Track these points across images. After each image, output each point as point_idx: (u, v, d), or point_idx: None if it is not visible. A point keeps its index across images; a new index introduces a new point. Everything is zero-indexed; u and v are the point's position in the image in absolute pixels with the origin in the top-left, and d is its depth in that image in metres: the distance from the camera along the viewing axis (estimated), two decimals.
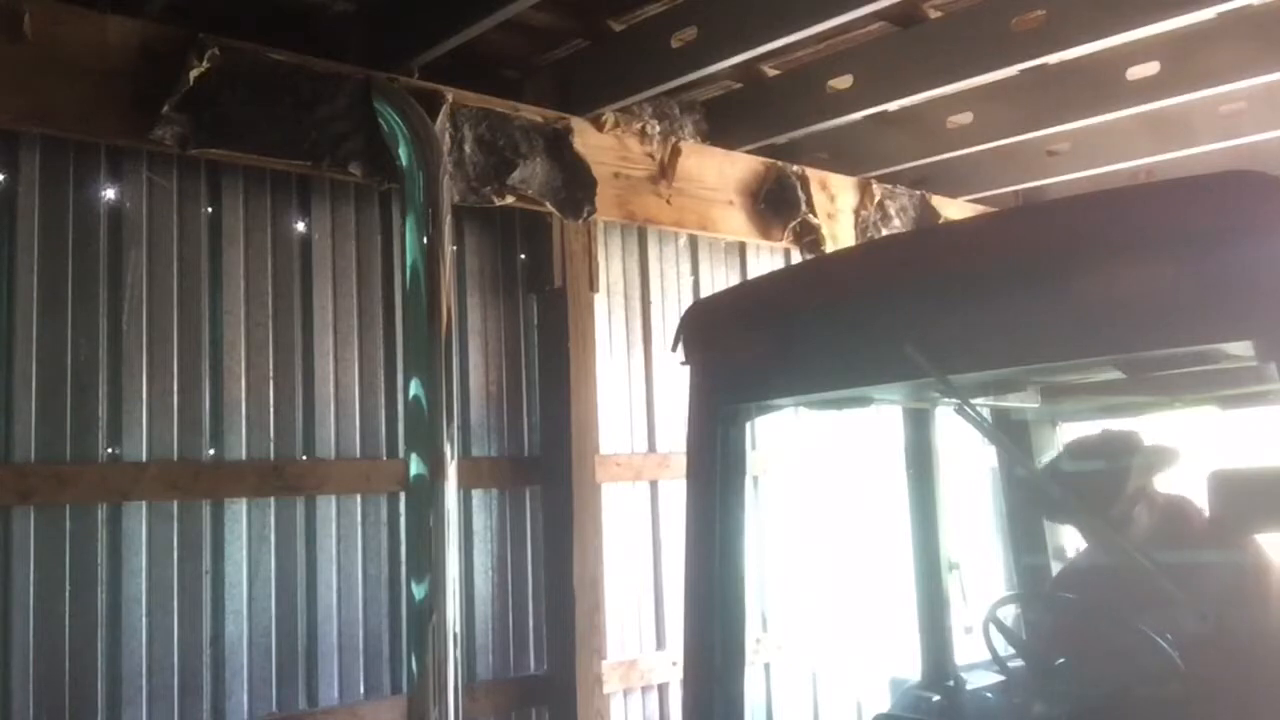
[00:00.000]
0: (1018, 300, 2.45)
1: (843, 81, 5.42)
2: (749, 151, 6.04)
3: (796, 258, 6.22)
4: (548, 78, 5.39)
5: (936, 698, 3.64)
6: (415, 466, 4.24)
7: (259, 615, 4.33)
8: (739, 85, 5.82)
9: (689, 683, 3.19)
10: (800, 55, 5.51)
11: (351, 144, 4.45)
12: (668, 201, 5.62)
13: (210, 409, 4.30)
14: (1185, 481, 3.48)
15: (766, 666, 5.85)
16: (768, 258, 6.31)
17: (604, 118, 5.35)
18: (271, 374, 4.47)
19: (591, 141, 5.29)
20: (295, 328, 4.56)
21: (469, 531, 4.95)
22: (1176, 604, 2.92)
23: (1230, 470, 3.09)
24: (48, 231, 3.99)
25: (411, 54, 4.64)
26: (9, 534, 3.82)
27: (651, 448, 5.60)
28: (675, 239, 5.93)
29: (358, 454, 4.66)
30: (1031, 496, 4.01)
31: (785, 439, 5.98)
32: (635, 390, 5.62)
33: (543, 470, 5.20)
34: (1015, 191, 7.11)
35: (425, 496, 4.22)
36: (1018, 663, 3.43)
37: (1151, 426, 3.67)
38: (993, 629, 3.37)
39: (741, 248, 6.23)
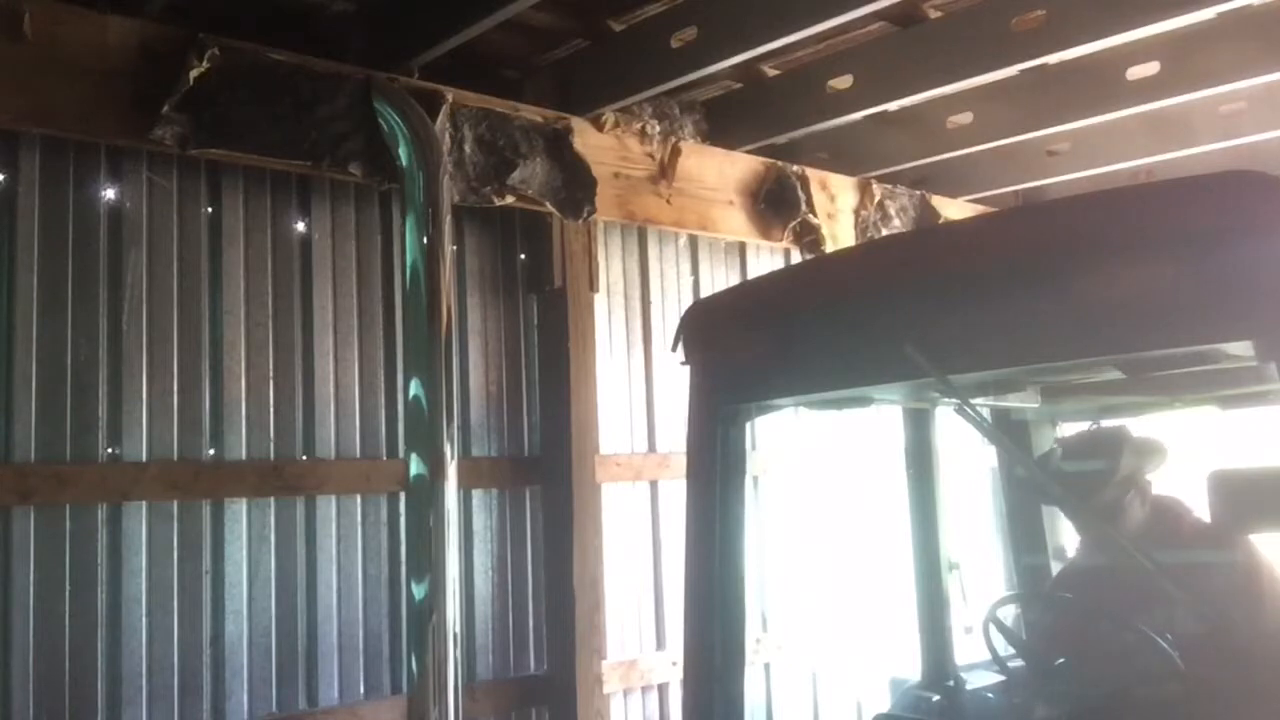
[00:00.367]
0: (1018, 300, 2.45)
1: (843, 81, 5.42)
2: (749, 151, 6.05)
3: (796, 258, 6.22)
4: (548, 78, 5.39)
5: (936, 698, 3.64)
6: (415, 466, 4.24)
7: (259, 615, 4.33)
8: (739, 85, 5.82)
9: (689, 683, 3.19)
10: (800, 55, 5.51)
11: (351, 144, 4.45)
12: (668, 201, 5.62)
13: (210, 409, 4.30)
14: (1182, 481, 3.49)
15: (766, 666, 5.85)
16: (768, 258, 6.31)
17: (604, 118, 5.35)
18: (271, 374, 4.47)
19: (591, 141, 5.29)
20: (295, 328, 4.56)
21: (469, 531, 4.95)
22: (1174, 604, 2.93)
23: (1229, 470, 3.09)
24: (48, 231, 3.99)
25: (411, 54, 4.64)
26: (9, 534, 3.82)
27: (651, 448, 5.60)
28: (675, 239, 5.93)
29: (358, 454, 4.66)
30: (1029, 490, 4.03)
31: (785, 439, 5.98)
32: (635, 390, 5.62)
33: (543, 470, 5.20)
34: (1015, 191, 7.11)
35: (425, 496, 4.22)
36: (1018, 663, 3.43)
37: (1148, 425, 3.68)
38: (993, 629, 3.37)
39: (741, 248, 6.23)
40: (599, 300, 5.41)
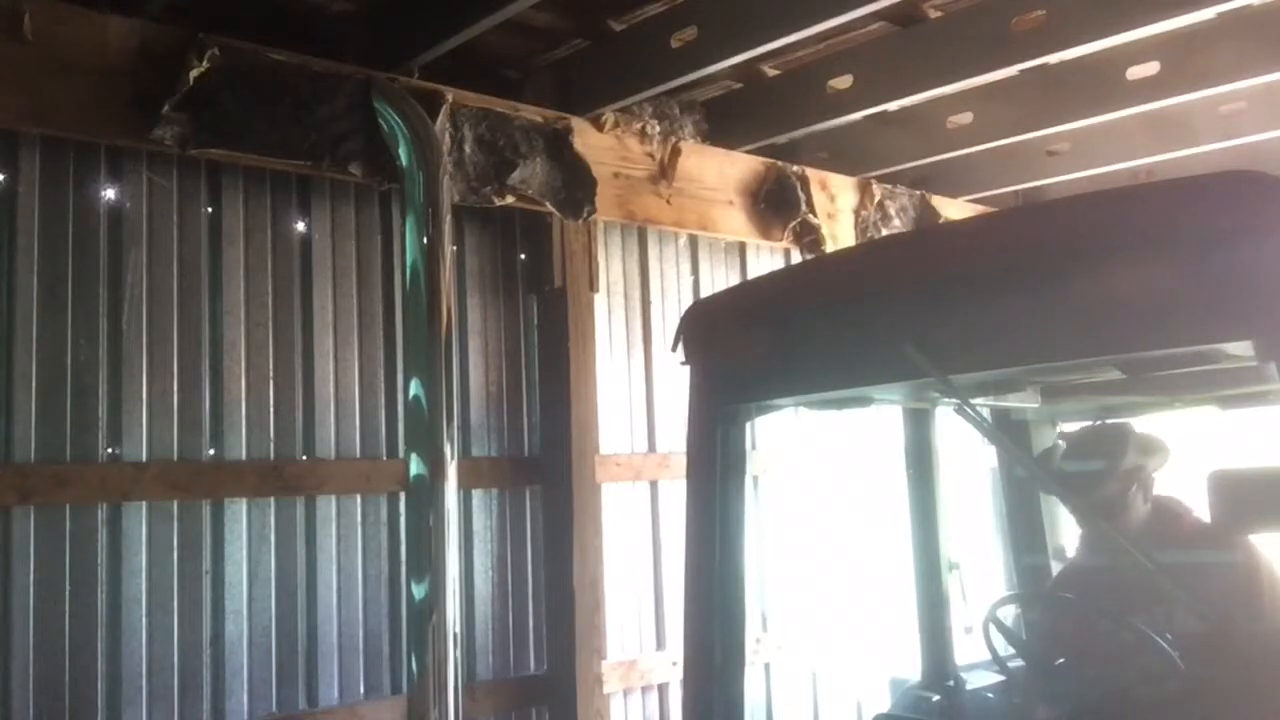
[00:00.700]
0: (1018, 300, 2.45)
1: (843, 81, 5.42)
2: (749, 151, 6.05)
3: (796, 258, 6.21)
4: (548, 78, 5.39)
5: (936, 698, 3.64)
6: (415, 466, 4.24)
7: (259, 615, 4.33)
8: (739, 85, 5.82)
9: (689, 683, 3.19)
10: (800, 55, 5.51)
11: (351, 144, 4.45)
12: (668, 201, 5.62)
13: (210, 409, 4.30)
14: (1182, 481, 3.49)
15: (766, 666, 5.85)
16: (768, 258, 6.31)
17: (604, 118, 5.35)
18: (271, 374, 4.47)
19: (591, 141, 5.29)
20: (295, 328, 4.56)
21: (469, 531, 4.95)
22: (1174, 603, 2.93)
23: (1229, 470, 3.09)
24: (48, 231, 3.99)
25: (411, 54, 4.64)
26: (9, 534, 3.82)
27: (651, 448, 5.60)
28: (675, 239, 5.93)
29: (358, 454, 4.66)
30: (1029, 489, 4.03)
31: (785, 439, 5.98)
32: (635, 390, 5.62)
33: (543, 470, 5.20)
34: (1015, 191, 7.11)
35: (425, 496, 4.22)
36: (1018, 663, 3.43)
37: (1149, 425, 3.68)
38: (993, 629, 3.37)
39: (741, 248, 6.23)
40: (599, 300, 5.41)
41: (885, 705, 3.79)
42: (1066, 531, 4.02)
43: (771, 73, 5.72)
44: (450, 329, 4.39)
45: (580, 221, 5.20)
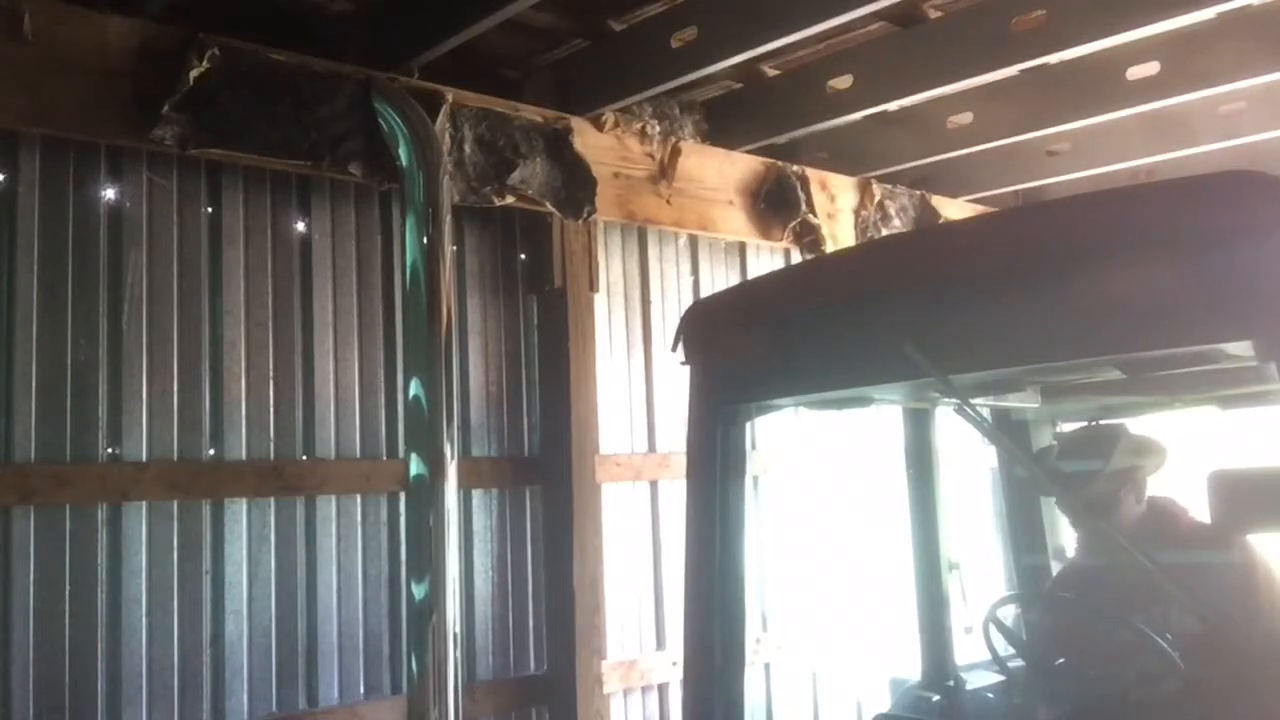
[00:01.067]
0: (1018, 300, 2.45)
1: (843, 81, 5.42)
2: (749, 151, 6.04)
3: (796, 258, 6.21)
4: (548, 78, 5.39)
5: (936, 698, 3.64)
6: (415, 466, 4.24)
7: (259, 615, 4.33)
8: (739, 85, 5.82)
9: (689, 683, 3.19)
10: (800, 55, 5.51)
11: (351, 144, 4.45)
12: (668, 201, 5.62)
13: (210, 409, 4.30)
14: (1182, 482, 3.49)
15: (766, 666, 5.85)
16: (768, 258, 6.31)
17: (604, 118, 5.35)
18: (271, 374, 4.47)
19: (591, 141, 5.29)
20: (295, 328, 4.56)
21: (469, 531, 4.95)
22: (1170, 603, 2.93)
23: (1229, 470, 3.09)
24: (48, 231, 3.99)
25: (411, 54, 4.64)
26: (9, 534, 3.82)
27: (651, 448, 5.60)
28: (675, 239, 5.93)
29: (358, 454, 4.66)
30: (1029, 489, 4.03)
31: (785, 439, 5.98)
32: (635, 390, 5.62)
33: (543, 470, 5.20)
34: (1015, 191, 7.11)
35: (425, 496, 4.22)
36: (1018, 663, 3.43)
37: (1148, 425, 3.69)
38: (993, 629, 3.37)
39: (741, 248, 6.23)
40: (599, 300, 5.41)
41: (885, 705, 3.79)
42: (1066, 531, 4.02)
43: (771, 73, 5.72)
44: (450, 329, 4.39)
45: (580, 221, 5.20)
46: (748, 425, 3.32)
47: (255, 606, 4.33)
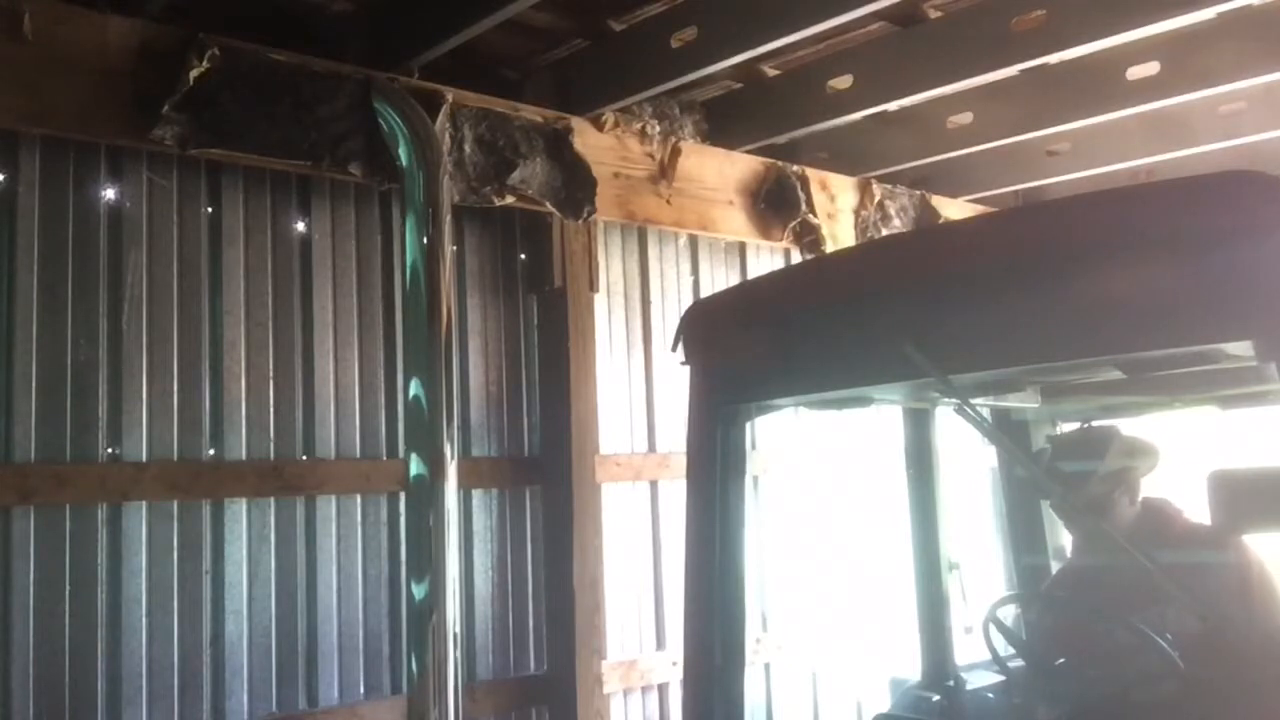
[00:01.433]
0: (1018, 300, 2.45)
1: (843, 81, 5.42)
2: (749, 151, 6.05)
3: (796, 258, 6.22)
4: (548, 78, 5.39)
5: (936, 698, 3.64)
6: (415, 466, 4.24)
7: (259, 615, 4.33)
8: (739, 85, 5.82)
9: (689, 683, 3.19)
10: (800, 55, 5.51)
11: (351, 144, 4.45)
12: (668, 201, 5.62)
13: (210, 409, 4.30)
14: (1182, 482, 3.49)
15: (766, 666, 5.85)
16: (768, 258, 6.31)
17: (604, 118, 5.35)
18: (271, 374, 4.47)
19: (591, 141, 5.29)
20: (295, 328, 4.56)
21: (469, 531, 4.95)
22: (1166, 603, 2.94)
23: (1229, 470, 3.09)
24: (48, 231, 3.99)
25: (411, 54, 4.64)
26: (9, 534, 3.82)
27: (651, 448, 5.60)
28: (675, 239, 5.93)
29: (358, 454, 4.66)
30: (1028, 490, 4.03)
31: (785, 439, 5.98)
32: (635, 390, 5.62)
33: (543, 470, 5.20)
34: (1015, 191, 7.11)
35: (425, 496, 4.22)
36: (1018, 663, 3.43)
37: (1146, 425, 3.69)
38: (993, 629, 3.37)
39: (741, 248, 6.23)
40: (599, 300, 5.41)
41: (885, 705, 3.79)
42: (1066, 532, 4.02)
43: (771, 73, 5.72)
44: (450, 329, 4.39)
45: (580, 221, 5.20)
46: (748, 425, 3.32)
47: (255, 606, 4.33)
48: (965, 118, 5.85)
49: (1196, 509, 3.31)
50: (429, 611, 4.14)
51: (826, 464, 6.14)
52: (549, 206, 5.08)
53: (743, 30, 4.58)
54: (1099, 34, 4.59)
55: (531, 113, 5.10)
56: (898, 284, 2.70)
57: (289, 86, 4.33)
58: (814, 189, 6.21)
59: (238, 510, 4.31)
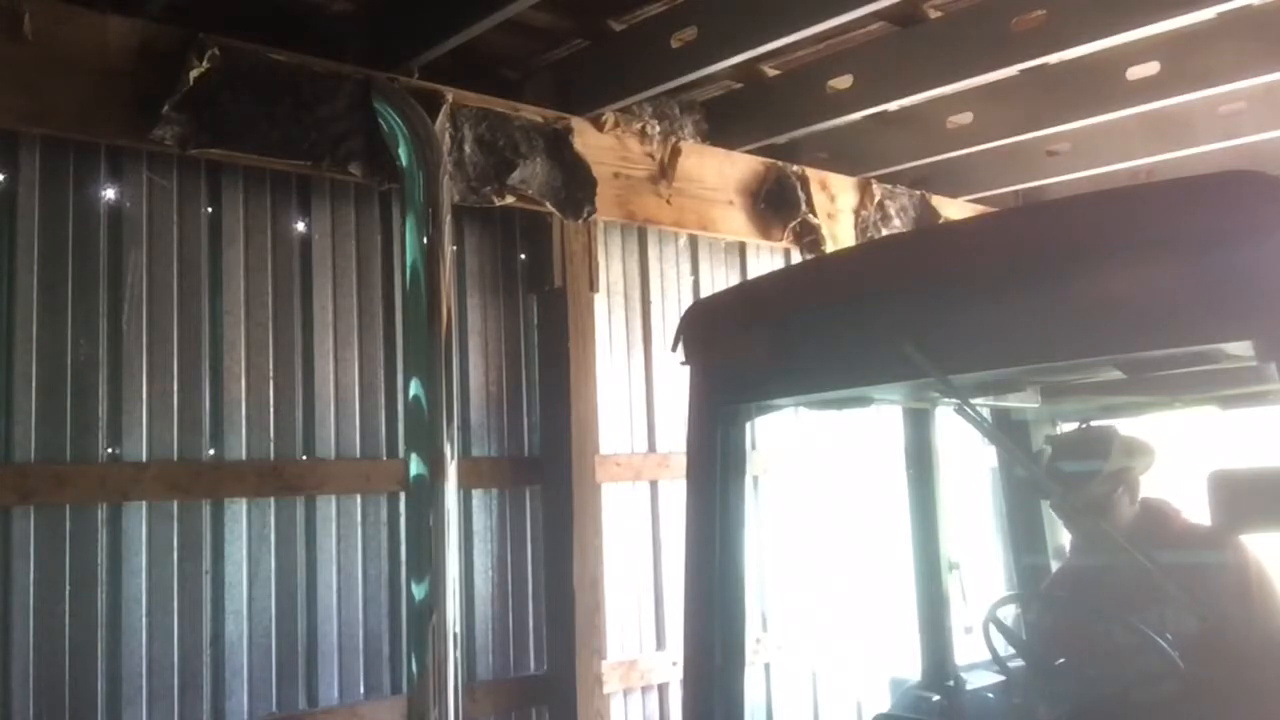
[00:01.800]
0: (1018, 300, 2.45)
1: (843, 81, 5.42)
2: (749, 151, 6.05)
3: (796, 258, 6.22)
4: (548, 78, 5.39)
5: (936, 698, 3.64)
6: (415, 466, 4.24)
7: (259, 615, 4.33)
8: (739, 85, 5.82)
9: (689, 683, 3.19)
10: (800, 55, 5.51)
11: (351, 144, 4.45)
12: (668, 201, 5.62)
13: (210, 409, 4.30)
14: (1182, 482, 3.49)
15: (766, 666, 5.85)
16: (768, 258, 6.32)
17: (604, 118, 5.35)
18: (271, 374, 4.47)
19: (591, 141, 5.29)
20: (295, 328, 4.56)
21: (469, 531, 4.95)
22: (1165, 603, 2.94)
23: (1229, 470, 3.09)
24: (48, 231, 3.99)
25: (411, 54, 4.64)
26: (9, 534, 3.82)
27: (651, 448, 5.60)
28: (675, 239, 5.93)
29: (358, 454, 4.66)
30: (1028, 490, 4.04)
31: (785, 439, 5.98)
32: (635, 390, 5.62)
33: (543, 470, 5.20)
34: (1015, 191, 7.11)
35: (425, 496, 4.22)
36: (1018, 663, 3.43)
37: (1145, 425, 3.69)
38: (993, 629, 3.37)
39: (741, 248, 6.23)
40: (599, 300, 5.41)
41: (885, 705, 3.79)
42: (1066, 532, 4.02)
43: (771, 73, 5.72)
44: (450, 329, 4.39)
45: (580, 221, 5.20)
46: (748, 425, 3.32)
47: (255, 606, 4.33)
48: (965, 118, 5.85)
49: (1196, 509, 3.31)
50: (429, 611, 4.14)
51: (826, 464, 6.14)
52: (549, 206, 5.08)
53: (743, 30, 4.58)
54: (1099, 34, 4.59)
55: (531, 113, 5.10)
56: (898, 284, 2.70)
57: (289, 86, 4.33)
58: (814, 189, 6.21)
59: (238, 510, 4.31)
